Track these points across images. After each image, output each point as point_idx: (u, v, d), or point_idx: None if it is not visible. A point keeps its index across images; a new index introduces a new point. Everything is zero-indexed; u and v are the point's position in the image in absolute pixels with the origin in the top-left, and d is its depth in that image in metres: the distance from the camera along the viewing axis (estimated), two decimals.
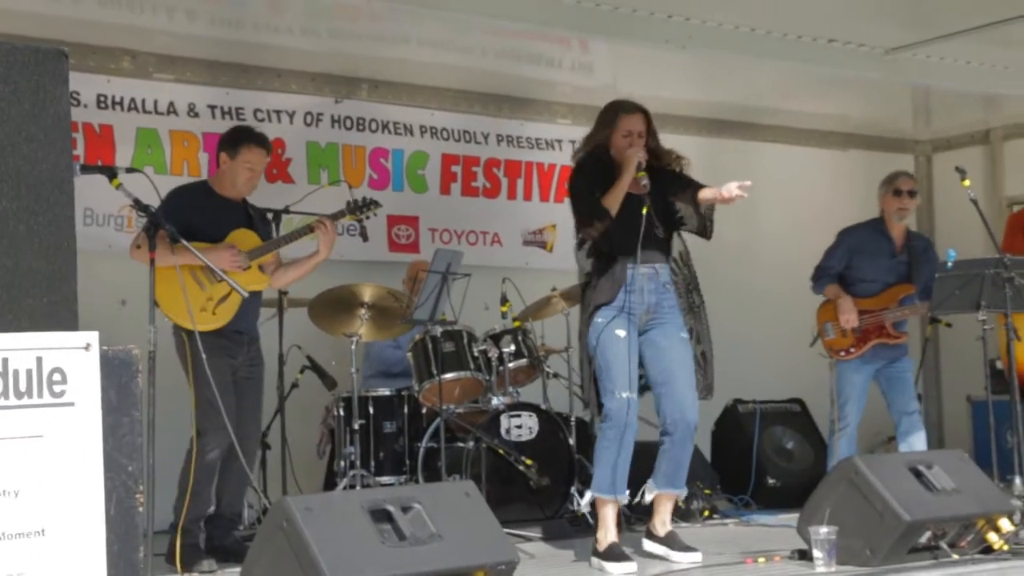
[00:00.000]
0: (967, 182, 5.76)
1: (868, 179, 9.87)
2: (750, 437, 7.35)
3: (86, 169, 4.20)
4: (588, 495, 5.12)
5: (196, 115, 7.19)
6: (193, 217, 5.25)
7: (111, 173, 4.25)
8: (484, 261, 7.89)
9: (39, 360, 2.11)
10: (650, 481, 5.15)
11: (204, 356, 4.85)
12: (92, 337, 2.18)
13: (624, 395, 4.88)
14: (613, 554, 4.89)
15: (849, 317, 6.46)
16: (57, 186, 2.28)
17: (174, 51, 7.13)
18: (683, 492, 5.23)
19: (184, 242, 4.39)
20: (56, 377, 2.13)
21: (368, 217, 5.67)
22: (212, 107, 7.25)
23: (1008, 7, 6.40)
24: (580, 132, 8.60)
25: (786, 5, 6.16)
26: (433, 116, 8.10)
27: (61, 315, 2.25)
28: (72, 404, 2.14)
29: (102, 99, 6.88)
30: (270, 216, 5.75)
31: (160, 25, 6.97)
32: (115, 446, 2.16)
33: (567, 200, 7.61)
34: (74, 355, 2.15)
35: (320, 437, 6.59)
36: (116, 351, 2.20)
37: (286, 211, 5.95)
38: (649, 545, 5.10)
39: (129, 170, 4.31)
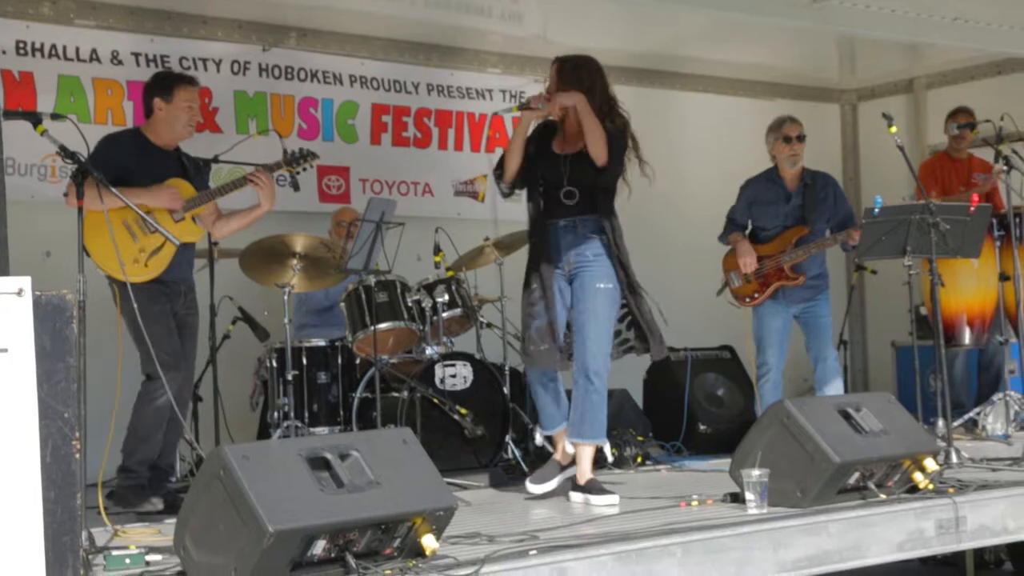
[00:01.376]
0: (894, 128, 5.81)
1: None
2: (681, 384, 7.42)
3: (9, 115, 4.10)
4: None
5: (120, 63, 7.04)
6: (127, 165, 5.18)
7: (35, 119, 4.15)
8: (416, 211, 7.85)
9: None
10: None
11: (143, 305, 4.80)
12: (24, 282, 2.13)
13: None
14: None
15: (747, 260, 6.57)
16: None
17: None
18: (588, 442, 5.21)
19: (114, 190, 4.31)
20: None
21: (304, 169, 5.63)
22: (136, 55, 7.11)
23: None
24: (510, 81, 8.71)
25: None
26: (363, 65, 8.02)
27: None
28: (5, 350, 2.09)
29: (21, 45, 6.72)
30: (201, 164, 5.66)
31: None
32: (50, 392, 2.13)
33: (498, 150, 7.67)
34: (6, 300, 2.10)
35: (253, 388, 6.55)
36: (49, 296, 2.16)
37: (216, 160, 5.86)
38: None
39: (54, 116, 4.20)
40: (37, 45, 6.77)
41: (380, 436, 3.74)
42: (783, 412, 4.51)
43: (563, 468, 5.36)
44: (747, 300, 6.70)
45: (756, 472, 4.40)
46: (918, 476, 4.66)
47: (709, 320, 8.69)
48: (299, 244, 6.06)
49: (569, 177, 5.28)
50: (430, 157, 8.31)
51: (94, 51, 6.96)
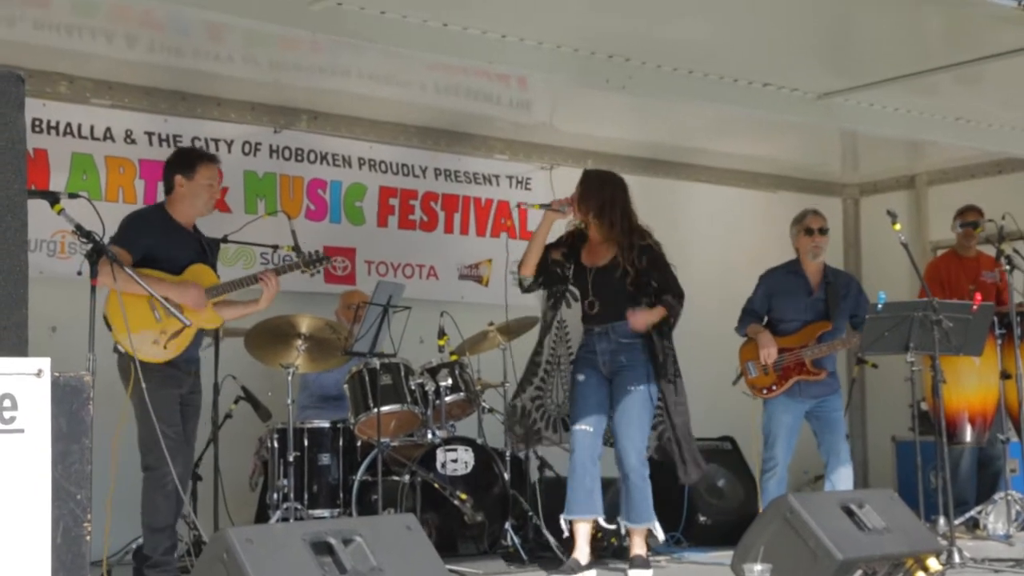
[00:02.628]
0: (898, 226, 5.89)
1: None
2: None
3: (28, 194, 4.14)
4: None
5: (133, 142, 7.12)
6: (153, 245, 5.25)
7: (53, 198, 4.21)
8: (420, 294, 7.88)
9: None
10: None
11: (154, 387, 4.87)
12: (44, 363, 2.15)
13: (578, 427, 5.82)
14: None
15: (769, 351, 6.55)
16: (10, 210, 2.26)
17: (112, 76, 7.06)
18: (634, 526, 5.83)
19: (130, 272, 4.36)
20: (6, 403, 2.10)
21: (319, 271, 5.70)
22: (149, 134, 7.19)
23: (932, 58, 6.58)
24: (517, 168, 8.81)
25: (723, 49, 6.26)
26: (371, 149, 8.12)
27: (12, 341, 2.23)
28: (22, 431, 2.11)
29: (37, 123, 6.79)
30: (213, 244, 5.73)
31: (98, 50, 6.90)
32: (64, 474, 2.14)
33: (503, 235, 7.80)
34: (25, 381, 2.12)
35: (253, 469, 6.53)
36: (67, 378, 2.18)
37: (225, 240, 5.94)
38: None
39: (71, 195, 4.27)
40: (52, 123, 6.86)
41: (383, 522, 3.74)
42: (786, 507, 4.51)
43: (583, 568, 5.67)
44: (763, 392, 6.66)
45: (758, 567, 4.38)
46: (920, 575, 4.64)
47: (710, 410, 8.71)
48: (305, 325, 6.09)
49: (593, 288, 5.86)
50: (436, 240, 8.37)
51: (108, 130, 7.04)
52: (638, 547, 5.84)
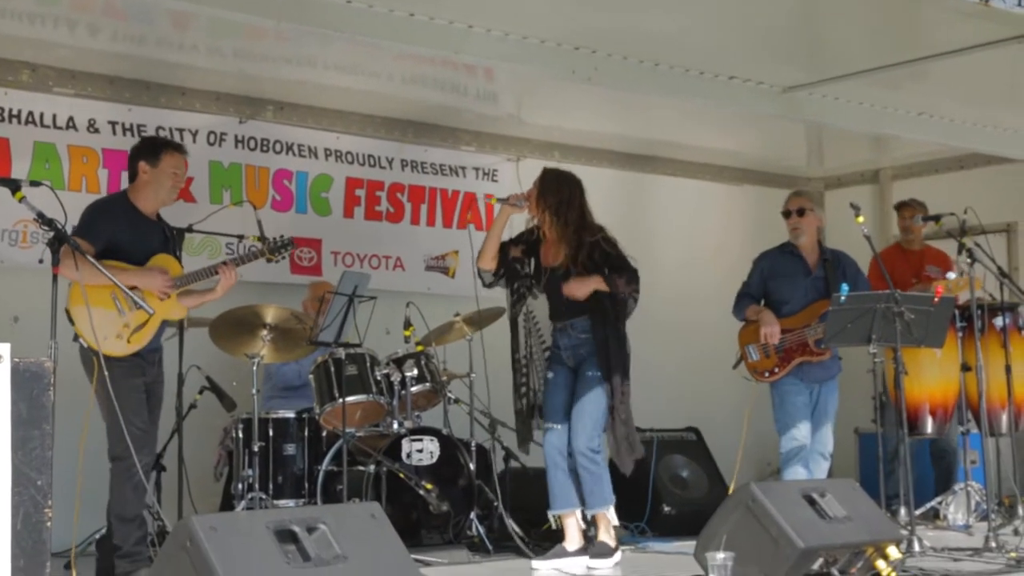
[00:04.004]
0: (861, 218, 5.93)
1: (761, 214, 10.16)
2: (647, 465, 7.40)
3: None
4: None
5: (96, 131, 7.07)
6: (118, 234, 5.22)
7: (14, 185, 4.18)
8: (387, 285, 7.86)
9: None
10: None
11: (118, 378, 4.87)
12: (4, 348, 2.14)
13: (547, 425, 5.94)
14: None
15: (772, 330, 6.42)
16: None
17: (75, 65, 7.01)
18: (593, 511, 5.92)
19: (92, 261, 4.33)
20: None
21: (284, 257, 5.67)
22: (113, 123, 7.15)
23: (897, 52, 6.62)
24: (483, 159, 8.81)
25: (690, 42, 6.28)
26: (338, 140, 8.10)
27: None
28: None
29: None
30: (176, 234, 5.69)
31: (61, 38, 6.85)
32: (24, 459, 2.13)
33: (470, 226, 7.83)
34: None
35: (217, 459, 6.51)
36: (28, 363, 2.17)
37: (189, 230, 5.92)
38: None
39: (33, 183, 4.24)
40: (14, 111, 6.80)
41: (348, 510, 3.75)
42: (748, 495, 4.54)
43: (569, 554, 5.73)
44: (765, 375, 6.57)
45: (721, 555, 4.40)
46: (881, 564, 4.70)
47: (674, 400, 8.78)
48: (270, 315, 6.07)
49: (547, 288, 5.96)
50: (402, 232, 8.36)
51: (71, 119, 6.99)
52: (601, 533, 5.88)
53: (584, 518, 6.04)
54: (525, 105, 8.61)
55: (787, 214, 6.69)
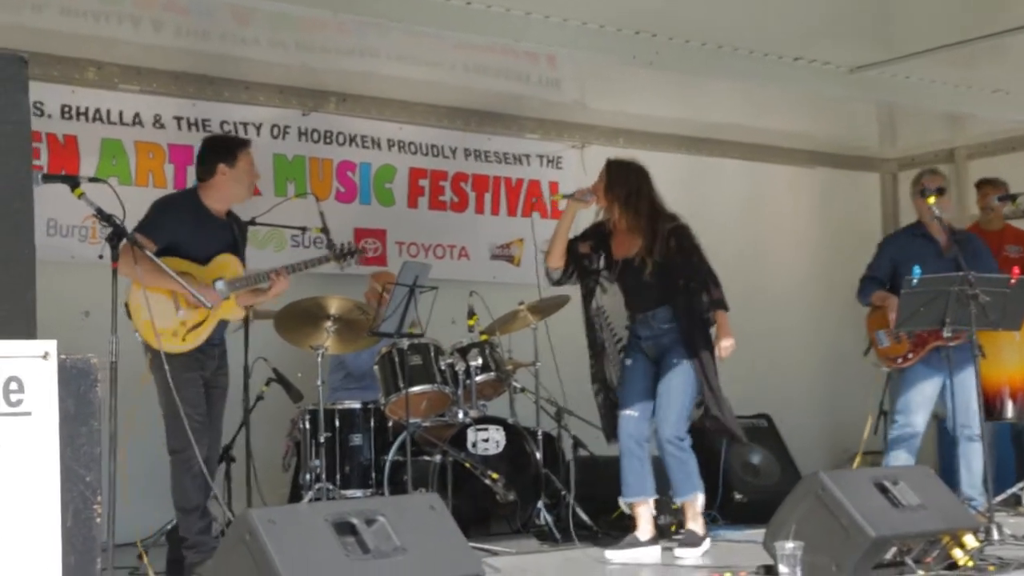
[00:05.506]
0: (932, 199, 5.79)
1: (833, 197, 10.00)
2: (717, 453, 7.32)
3: (48, 178, 4.15)
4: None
5: (162, 126, 7.12)
6: (181, 233, 5.25)
7: (73, 182, 4.21)
8: (451, 275, 7.86)
9: None
10: None
11: (177, 371, 4.92)
12: (50, 346, 2.14)
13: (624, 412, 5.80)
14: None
15: None
16: (17, 194, 2.24)
17: (140, 62, 7.06)
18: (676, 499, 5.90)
19: (154, 259, 4.35)
20: (13, 386, 2.09)
21: (350, 265, 5.69)
22: (178, 119, 7.19)
23: (971, 28, 6.45)
24: (547, 147, 8.74)
25: (753, 23, 6.18)
26: (401, 130, 8.07)
27: (19, 324, 2.21)
28: (29, 414, 2.10)
29: (66, 109, 6.80)
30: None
31: (126, 36, 6.92)
32: (73, 456, 2.13)
33: (534, 215, 7.77)
34: (31, 364, 2.11)
35: (285, 450, 6.53)
36: (75, 360, 2.17)
37: (252, 223, 5.92)
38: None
39: (92, 179, 4.27)
40: (82, 109, 6.87)
41: (408, 501, 3.72)
42: (818, 484, 4.45)
43: (641, 543, 5.65)
44: (898, 361, 6.42)
45: (790, 545, 4.31)
46: (957, 553, 4.57)
47: (746, 388, 8.64)
48: (334, 306, 6.07)
49: (621, 280, 5.87)
50: (466, 221, 8.33)
51: (137, 115, 7.04)
52: (689, 522, 5.82)
53: (671, 510, 5.99)
54: (589, 91, 8.55)
55: (924, 192, 6.38)
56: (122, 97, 7.02)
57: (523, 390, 6.72)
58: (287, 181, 7.58)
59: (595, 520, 6.35)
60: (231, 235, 5.46)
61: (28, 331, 2.22)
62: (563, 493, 6.37)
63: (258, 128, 7.48)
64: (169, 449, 5.21)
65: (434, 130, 8.24)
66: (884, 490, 4.54)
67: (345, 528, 3.30)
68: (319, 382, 5.99)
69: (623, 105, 8.75)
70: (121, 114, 7.00)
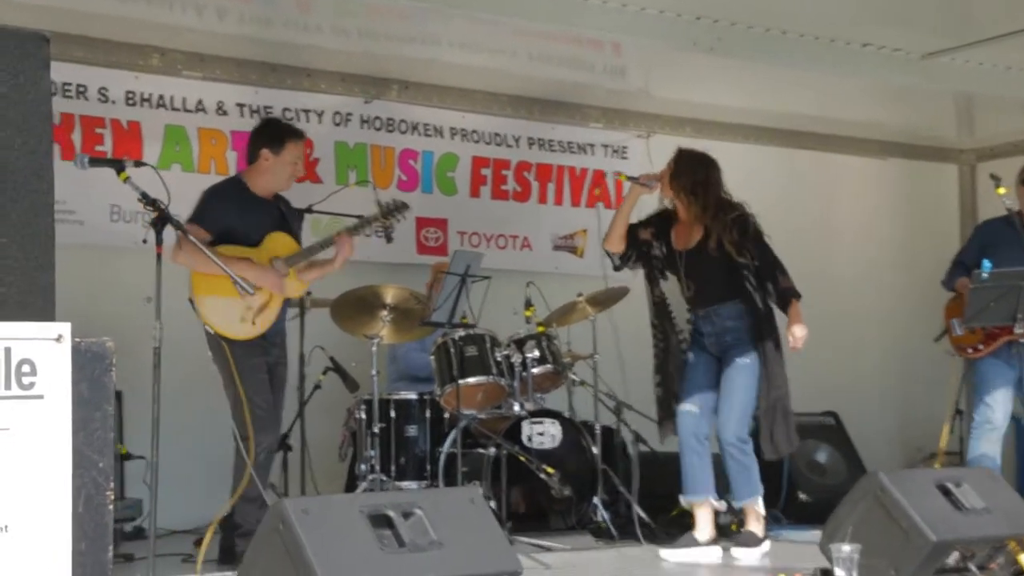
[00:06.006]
0: (1002, 189, 5.59)
1: (907, 189, 9.75)
2: None
3: (94, 162, 4.15)
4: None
5: (224, 113, 7.13)
6: (231, 219, 5.24)
7: (119, 166, 4.20)
8: (513, 265, 7.80)
9: (7, 351, 2.03)
10: None
11: (242, 357, 4.91)
12: (64, 328, 2.09)
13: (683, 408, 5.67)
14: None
15: None
16: (35, 173, 2.20)
17: (203, 49, 7.08)
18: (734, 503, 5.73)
19: (196, 243, 4.33)
20: (25, 368, 2.04)
21: (399, 220, 5.61)
22: (241, 105, 7.19)
23: None
24: (612, 136, 8.62)
25: (820, 8, 6.01)
26: (464, 118, 8.01)
27: (37, 305, 2.17)
28: (41, 397, 2.05)
29: (130, 96, 6.83)
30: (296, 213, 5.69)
31: (189, 23, 6.94)
32: (85, 441, 2.08)
33: (598, 205, 7.65)
34: (44, 346, 2.06)
35: (342, 439, 6.49)
36: (89, 343, 2.12)
37: (309, 211, 5.89)
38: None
39: (137, 163, 4.26)
40: (145, 95, 6.89)
41: (447, 495, 3.65)
42: (877, 484, 4.29)
43: (699, 543, 5.54)
44: (969, 351, 6.23)
45: (847, 548, 4.17)
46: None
47: (813, 385, 8.44)
48: (389, 295, 6.01)
49: (686, 272, 5.71)
50: (529, 211, 8.24)
51: (200, 101, 7.06)
52: (749, 523, 5.69)
53: (731, 509, 5.86)
54: (655, 79, 8.41)
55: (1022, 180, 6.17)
56: (185, 84, 7.03)
57: (582, 383, 6.62)
58: (348, 169, 7.55)
59: (654, 518, 6.22)
60: (279, 214, 5.42)
61: (46, 313, 2.18)
62: (621, 490, 6.26)
63: (320, 115, 7.46)
64: (239, 436, 5.20)
65: (497, 118, 8.16)
66: (946, 492, 4.37)
67: (381, 520, 3.23)
68: (373, 372, 5.94)
69: (690, 94, 8.61)
70: (184, 100, 7.02)
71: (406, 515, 3.28)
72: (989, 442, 6.07)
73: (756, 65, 7.52)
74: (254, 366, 5.14)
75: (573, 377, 6.57)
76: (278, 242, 5.32)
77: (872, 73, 6.77)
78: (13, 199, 2.17)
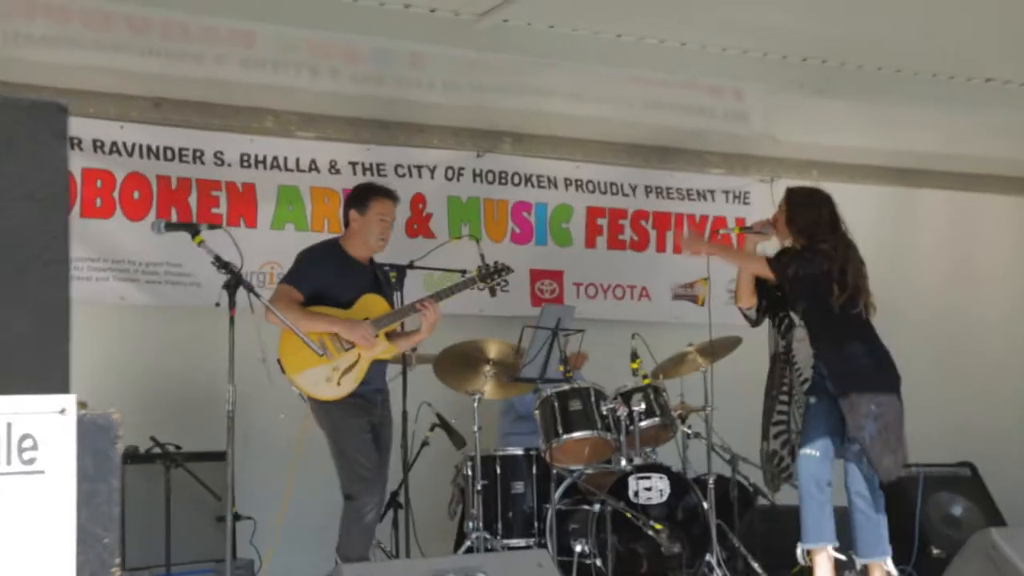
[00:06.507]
0: None
1: None
2: (912, 503, 6.83)
3: (170, 227, 4.23)
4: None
5: (337, 171, 7.20)
6: (323, 280, 5.30)
7: (194, 230, 4.27)
8: (633, 316, 7.69)
9: (9, 426, 2.03)
10: None
11: (341, 417, 4.93)
12: (68, 401, 2.09)
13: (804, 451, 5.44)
14: None
15: None
16: (48, 244, 2.21)
17: (316, 109, 7.19)
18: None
19: (268, 305, 4.38)
20: (27, 443, 2.04)
21: (500, 285, 5.55)
22: (353, 163, 7.26)
23: None
24: (733, 182, 8.45)
25: (934, 44, 5.79)
26: (578, 168, 7.94)
27: (48, 378, 2.17)
28: (43, 472, 2.05)
29: (245, 158, 6.97)
30: (392, 273, 5.68)
31: (302, 84, 7.06)
32: (90, 516, 2.06)
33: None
34: (47, 420, 2.06)
35: (451, 497, 6.45)
36: (94, 416, 2.11)
37: (411, 267, 5.88)
38: None
39: (211, 227, 4.33)
40: (260, 157, 7.01)
41: (514, 557, 3.56)
42: (988, 543, 4.05)
43: None
44: None
45: None
46: None
47: (950, 434, 8.08)
48: (493, 350, 5.97)
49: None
50: (648, 260, 8.12)
51: (313, 161, 7.15)
52: None
53: (853, 565, 5.59)
54: (777, 123, 8.21)
55: None
56: (299, 144, 7.15)
57: (697, 435, 6.44)
58: (461, 223, 7.56)
59: (772, 574, 6.00)
60: (372, 277, 5.43)
61: (59, 385, 2.17)
62: (738, 546, 6.06)
63: (432, 171, 7.49)
64: (344, 494, 5.20)
65: (612, 168, 8.08)
66: None
67: None
68: (475, 428, 5.88)
69: (815, 136, 8.38)
70: (298, 161, 7.12)
71: None
72: None
73: (882, 107, 7.29)
74: (356, 426, 5.16)
75: (686, 431, 6.40)
76: (371, 304, 5.33)
77: (994, 107, 6.47)
78: (25, 270, 2.18)
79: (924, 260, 8.96)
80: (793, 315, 5.69)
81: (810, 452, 5.38)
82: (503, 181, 7.73)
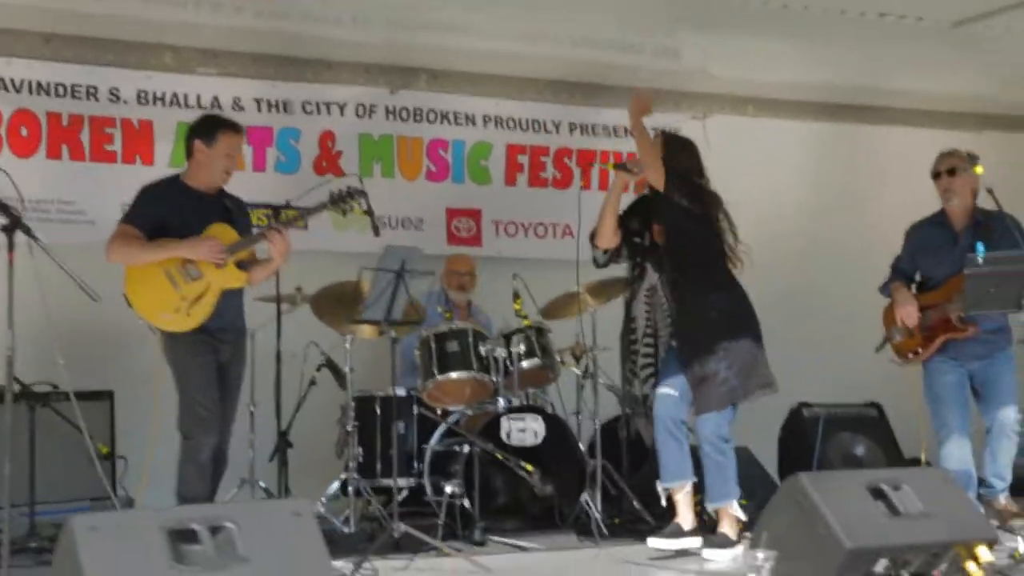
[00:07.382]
0: (979, 168, 5.13)
1: (1007, 164, 9.03)
2: (811, 445, 6.77)
3: None
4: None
5: (241, 108, 7.08)
6: (165, 213, 5.21)
7: None
8: (555, 254, 7.56)
9: None
10: None
11: (184, 353, 4.90)
12: None
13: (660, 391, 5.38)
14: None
15: (906, 310, 5.84)
16: None
17: (218, 45, 7.06)
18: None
19: (43, 246, 4.33)
20: None
21: (351, 208, 5.40)
22: (258, 100, 7.17)
23: None
24: (663, 119, 8.21)
25: None
26: (497, 105, 7.80)
27: None
28: None
29: (142, 95, 6.88)
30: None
31: (204, 19, 6.92)
32: None
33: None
34: None
35: (338, 436, 6.43)
36: None
37: (287, 206, 5.78)
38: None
39: None
40: (158, 94, 6.93)
41: (270, 507, 3.54)
42: (797, 488, 3.98)
43: (685, 533, 5.28)
44: (910, 356, 5.94)
45: (760, 555, 3.89)
46: (971, 567, 4.01)
47: (858, 375, 7.88)
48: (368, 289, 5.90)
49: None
50: (571, 198, 7.95)
51: (215, 98, 7.04)
52: (723, 525, 5.37)
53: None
54: (713, 58, 8.00)
55: (936, 175, 5.90)
56: (200, 80, 7.04)
57: (586, 376, 6.36)
58: (373, 161, 7.47)
59: (652, 512, 5.96)
60: (222, 209, 5.33)
61: None
62: (622, 486, 6.02)
63: (342, 108, 7.39)
64: (181, 433, 5.17)
65: (534, 104, 7.93)
66: (880, 495, 4.02)
67: (185, 536, 3.12)
68: (347, 368, 5.84)
69: (751, 72, 8.17)
70: (199, 98, 7.01)
71: (215, 530, 3.17)
72: (954, 450, 5.62)
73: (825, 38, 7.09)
74: (199, 364, 5.09)
75: (575, 371, 6.34)
76: (219, 233, 5.20)
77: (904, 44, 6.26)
78: None
79: (872, 201, 8.78)
80: (648, 264, 5.61)
81: (667, 392, 5.33)
82: (418, 119, 7.60)
